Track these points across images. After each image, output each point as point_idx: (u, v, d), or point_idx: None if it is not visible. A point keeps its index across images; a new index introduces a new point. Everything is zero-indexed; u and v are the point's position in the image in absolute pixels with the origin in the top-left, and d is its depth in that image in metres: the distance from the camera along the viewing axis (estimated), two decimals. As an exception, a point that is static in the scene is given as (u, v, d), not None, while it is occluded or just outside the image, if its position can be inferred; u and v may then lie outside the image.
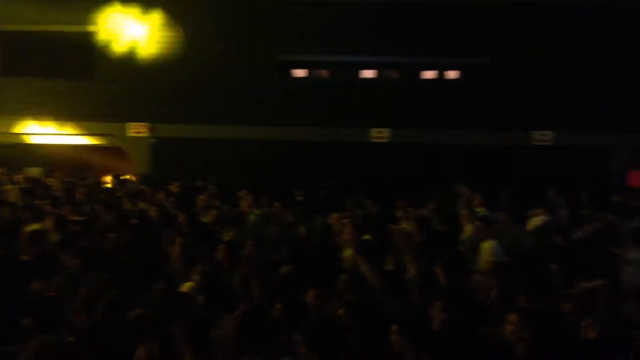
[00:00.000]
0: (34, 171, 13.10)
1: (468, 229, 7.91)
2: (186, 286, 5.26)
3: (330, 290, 5.00)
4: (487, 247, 6.68)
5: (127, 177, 12.57)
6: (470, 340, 4.26)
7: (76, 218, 7.92)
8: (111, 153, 14.16)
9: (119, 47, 13.63)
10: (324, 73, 14.01)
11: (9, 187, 10.27)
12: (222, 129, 13.58)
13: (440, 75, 13.74)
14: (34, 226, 6.30)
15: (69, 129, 13.86)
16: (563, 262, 5.79)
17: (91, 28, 13.64)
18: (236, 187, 10.84)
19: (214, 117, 13.61)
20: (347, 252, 6.14)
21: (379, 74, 13.84)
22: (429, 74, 13.77)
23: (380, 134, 13.49)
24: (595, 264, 5.99)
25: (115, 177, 12.04)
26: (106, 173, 13.07)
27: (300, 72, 14.02)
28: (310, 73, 14.03)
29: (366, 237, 6.72)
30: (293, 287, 5.09)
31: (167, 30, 13.63)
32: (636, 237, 6.49)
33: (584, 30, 12.92)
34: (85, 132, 13.91)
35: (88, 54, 13.74)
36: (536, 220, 8.40)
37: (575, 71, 12.88)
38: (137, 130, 13.81)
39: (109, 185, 11.73)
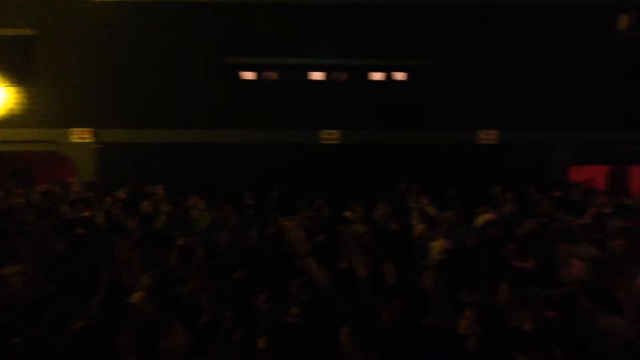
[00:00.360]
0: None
1: (419, 228, 8.03)
2: (136, 295, 5.14)
3: (284, 293, 4.99)
4: (437, 245, 6.79)
5: (71, 183, 12.21)
6: (419, 337, 4.33)
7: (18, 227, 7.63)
8: (54, 160, 13.71)
9: (60, 51, 13.21)
10: (273, 75, 13.96)
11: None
12: (169, 132, 13.37)
13: (388, 76, 13.90)
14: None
15: (9, 136, 13.34)
16: (506, 256, 5.94)
17: (31, 31, 13.17)
18: (185, 191, 10.70)
19: (161, 121, 13.37)
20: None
21: (328, 76, 13.89)
22: (376, 76, 13.90)
23: (330, 136, 13.55)
24: (538, 258, 6.17)
25: (59, 184, 11.66)
26: (49, 180, 12.63)
27: (248, 75, 13.92)
28: (259, 75, 13.95)
29: (319, 238, 6.74)
30: (245, 292, 5.05)
31: (111, 33, 13.29)
32: (586, 233, 6.70)
33: (526, 30, 13.31)
34: (27, 139, 13.41)
35: (28, 59, 13.26)
36: (482, 217, 8.61)
37: (517, 71, 13.25)
38: (80, 136, 13.41)
39: (53, 192, 11.35)
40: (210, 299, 5.06)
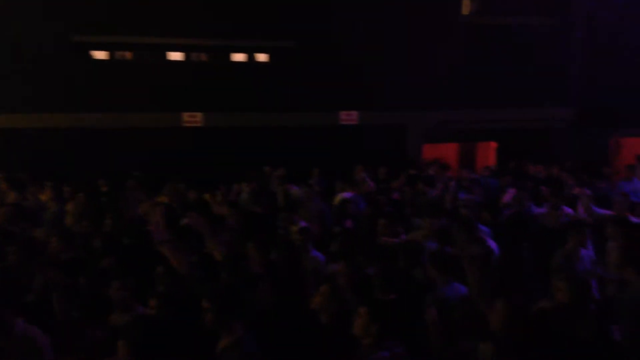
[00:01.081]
0: None
1: (282, 211, 8.08)
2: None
3: (143, 282, 4.80)
4: (296, 228, 6.89)
5: None
6: (285, 319, 4.38)
7: None
8: None
9: None
10: (127, 55, 13.24)
11: None
12: (14, 117, 12.21)
13: (250, 57, 13.77)
14: None
15: None
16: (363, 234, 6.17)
17: None
18: (34, 179, 9.90)
19: (5, 103, 12.16)
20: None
21: (187, 57, 13.45)
22: (238, 57, 13.71)
23: (192, 118, 13.17)
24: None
25: None
26: None
27: (100, 54, 13.09)
28: (111, 55, 13.16)
29: (181, 223, 6.54)
30: (105, 284, 4.79)
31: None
32: (433, 209, 7.11)
33: (380, 15, 13.78)
34: None
35: None
36: (341, 196, 8.88)
37: (374, 55, 13.70)
38: None
39: None
40: (63, 294, 4.72)
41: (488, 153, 15.58)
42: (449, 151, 15.41)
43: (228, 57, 13.65)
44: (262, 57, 13.80)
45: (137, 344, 3.36)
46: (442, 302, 4.39)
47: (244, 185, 10.09)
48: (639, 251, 4.89)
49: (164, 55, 13.32)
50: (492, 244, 5.82)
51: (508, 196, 8.45)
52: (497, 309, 3.49)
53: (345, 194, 9.06)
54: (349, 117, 13.88)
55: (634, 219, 6.78)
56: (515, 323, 3.40)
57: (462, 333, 3.85)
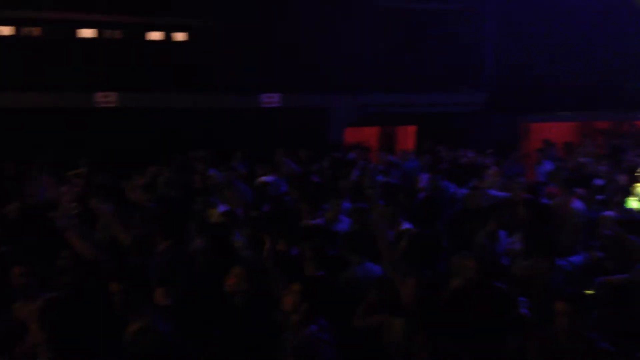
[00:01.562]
0: None
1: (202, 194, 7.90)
2: None
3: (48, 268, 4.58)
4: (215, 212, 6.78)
5: None
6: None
7: None
8: None
9: None
10: (35, 31, 12.46)
11: None
12: None
13: (167, 36, 13.31)
14: None
15: None
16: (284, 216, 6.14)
17: None
18: None
19: None
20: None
21: (99, 34, 12.82)
22: (154, 35, 13.22)
23: (106, 99, 12.59)
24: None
25: None
26: None
27: (6, 30, 12.25)
28: (17, 31, 12.34)
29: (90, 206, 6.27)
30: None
31: None
32: (355, 191, 7.16)
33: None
34: None
35: None
36: (262, 179, 8.81)
37: (296, 36, 13.60)
38: None
39: None
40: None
41: (408, 137, 15.90)
42: (370, 135, 15.61)
43: (143, 35, 13.12)
44: (180, 36, 13.38)
45: (53, 326, 3.23)
46: (354, 281, 4.42)
47: (163, 168, 9.77)
48: (546, 231, 5.13)
49: (74, 32, 12.64)
50: (407, 225, 5.94)
51: (424, 179, 8.64)
52: (408, 285, 3.57)
53: (266, 178, 8.98)
54: (270, 99, 13.73)
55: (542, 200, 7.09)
56: (425, 299, 3.48)
57: (377, 309, 3.93)
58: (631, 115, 16.39)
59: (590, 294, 4.43)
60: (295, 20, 13.60)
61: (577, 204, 6.72)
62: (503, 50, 15.37)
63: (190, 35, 13.40)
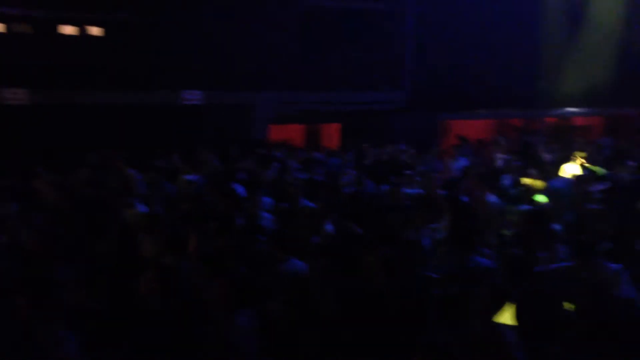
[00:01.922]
0: None
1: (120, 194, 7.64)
2: None
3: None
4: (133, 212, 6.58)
5: None
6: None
7: None
8: None
9: None
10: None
11: None
12: None
13: (82, 31, 12.75)
14: None
15: None
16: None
17: None
18: None
19: None
20: None
21: (8, 29, 12.11)
22: (68, 30, 12.63)
23: (15, 95, 11.91)
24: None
25: None
26: None
27: None
28: None
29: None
30: None
31: None
32: (275, 188, 7.10)
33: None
34: None
35: None
36: (184, 179, 8.61)
37: (220, 33, 13.38)
38: None
39: None
40: None
41: (333, 134, 16.02)
42: (295, 133, 15.61)
43: (55, 29, 12.51)
44: (95, 31, 12.84)
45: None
46: (279, 277, 4.50)
47: (79, 168, 9.36)
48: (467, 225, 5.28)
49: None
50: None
51: (348, 176, 8.72)
52: (326, 295, 3.63)
53: (189, 176, 8.78)
54: (191, 96, 13.44)
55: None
56: (345, 308, 3.54)
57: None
58: (542, 113, 17.30)
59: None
60: (217, 16, 13.38)
61: (492, 199, 6.98)
62: (423, 50, 15.78)
63: (106, 31, 12.88)
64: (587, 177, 8.09)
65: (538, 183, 7.63)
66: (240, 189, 7.62)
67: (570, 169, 9.08)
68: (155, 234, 5.60)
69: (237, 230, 5.55)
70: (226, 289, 3.65)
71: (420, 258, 5.26)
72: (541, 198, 7.05)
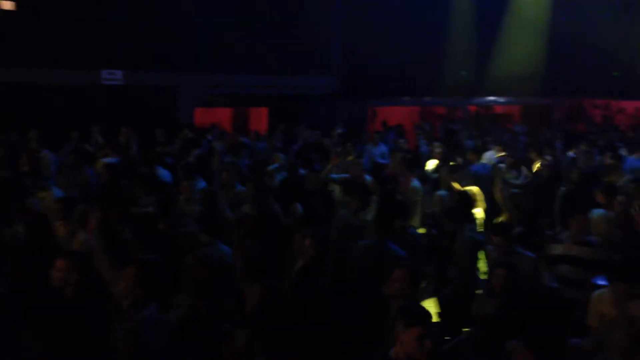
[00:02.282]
0: None
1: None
2: None
3: None
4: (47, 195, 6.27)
5: None
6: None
7: None
8: None
9: None
10: None
11: None
12: None
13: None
14: None
15: None
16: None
17: None
18: None
19: None
20: None
21: None
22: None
23: None
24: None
25: None
26: None
27: None
28: None
29: None
30: None
31: None
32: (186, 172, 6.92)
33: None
34: None
35: None
36: (104, 160, 8.28)
37: (141, 12, 12.85)
38: None
39: None
40: None
41: (261, 118, 15.87)
42: (222, 116, 15.34)
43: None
44: (6, 5, 12.04)
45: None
46: (205, 260, 4.47)
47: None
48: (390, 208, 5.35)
49: None
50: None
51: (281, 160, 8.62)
52: (254, 292, 3.58)
53: (109, 159, 8.43)
54: (112, 76, 12.88)
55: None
56: (270, 308, 3.51)
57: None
58: (465, 102, 17.84)
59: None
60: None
61: (415, 183, 7.12)
62: (350, 37, 15.84)
63: (18, 5, 12.09)
64: (505, 162, 8.40)
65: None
66: (164, 173, 7.43)
67: (490, 155, 9.40)
68: (68, 220, 5.36)
69: (153, 216, 5.39)
70: (133, 278, 3.50)
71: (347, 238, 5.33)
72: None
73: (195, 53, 13.66)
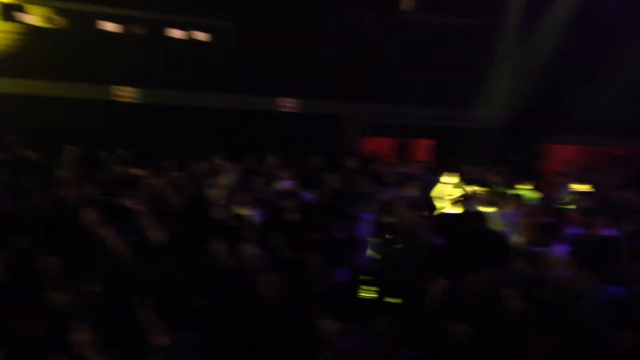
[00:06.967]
0: None
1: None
2: None
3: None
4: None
5: None
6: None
7: None
8: None
9: None
10: (60, 22, 12.43)
11: None
12: None
13: (189, 35, 13.29)
14: None
15: None
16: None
17: None
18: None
19: None
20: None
21: (124, 29, 12.78)
22: (176, 33, 13.19)
23: (123, 93, 12.54)
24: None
25: None
26: None
27: (28, 18, 12.21)
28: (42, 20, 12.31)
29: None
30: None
31: None
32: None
33: (322, 4, 13.59)
34: None
35: None
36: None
37: (317, 42, 13.51)
38: None
39: None
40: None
41: (423, 150, 15.76)
42: (384, 146, 15.48)
43: (164, 31, 13.10)
44: (201, 36, 13.35)
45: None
46: None
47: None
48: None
49: (95, 24, 12.61)
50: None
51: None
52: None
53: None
54: (286, 103, 13.66)
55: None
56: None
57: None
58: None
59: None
60: (315, 25, 13.49)
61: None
62: (518, 71, 15.26)
63: (212, 36, 13.34)
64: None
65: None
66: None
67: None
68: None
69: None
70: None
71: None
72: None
73: (363, 84, 14.01)
